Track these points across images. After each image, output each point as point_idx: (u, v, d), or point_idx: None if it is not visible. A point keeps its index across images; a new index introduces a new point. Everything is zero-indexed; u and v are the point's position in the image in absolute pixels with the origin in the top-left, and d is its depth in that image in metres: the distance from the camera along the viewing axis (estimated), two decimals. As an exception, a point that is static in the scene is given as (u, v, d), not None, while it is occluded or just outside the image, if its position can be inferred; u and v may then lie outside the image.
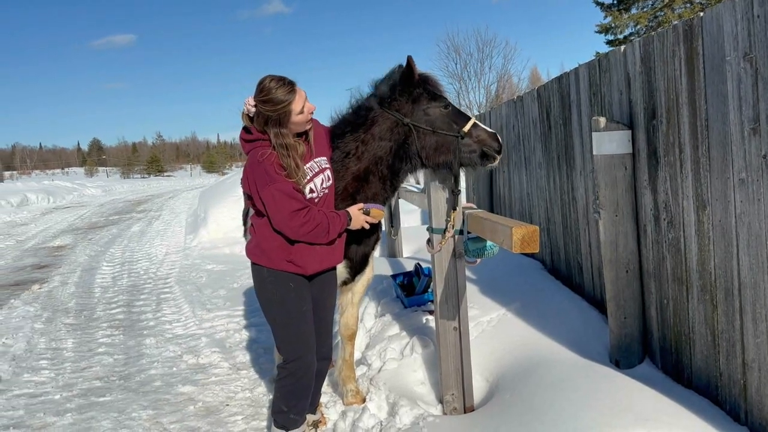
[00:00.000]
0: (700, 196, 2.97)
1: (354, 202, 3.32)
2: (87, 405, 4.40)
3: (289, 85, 2.98)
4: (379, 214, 3.27)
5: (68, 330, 6.35)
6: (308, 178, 3.07)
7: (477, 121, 3.36)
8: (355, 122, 3.37)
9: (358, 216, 3.21)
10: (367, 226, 3.29)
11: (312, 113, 3.10)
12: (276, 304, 3.17)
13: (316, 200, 3.11)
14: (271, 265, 3.12)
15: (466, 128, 3.27)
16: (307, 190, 3.06)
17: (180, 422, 4.04)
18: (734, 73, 2.62)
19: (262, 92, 2.96)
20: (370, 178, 3.37)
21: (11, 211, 20.24)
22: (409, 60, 3.25)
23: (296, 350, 3.17)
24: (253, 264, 3.22)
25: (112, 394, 4.57)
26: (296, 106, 2.99)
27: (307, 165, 3.09)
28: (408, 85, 3.30)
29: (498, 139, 3.35)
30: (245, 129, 3.13)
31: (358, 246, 3.54)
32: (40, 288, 8.41)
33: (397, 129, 3.31)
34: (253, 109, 3.01)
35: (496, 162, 3.38)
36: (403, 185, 4.31)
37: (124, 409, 4.28)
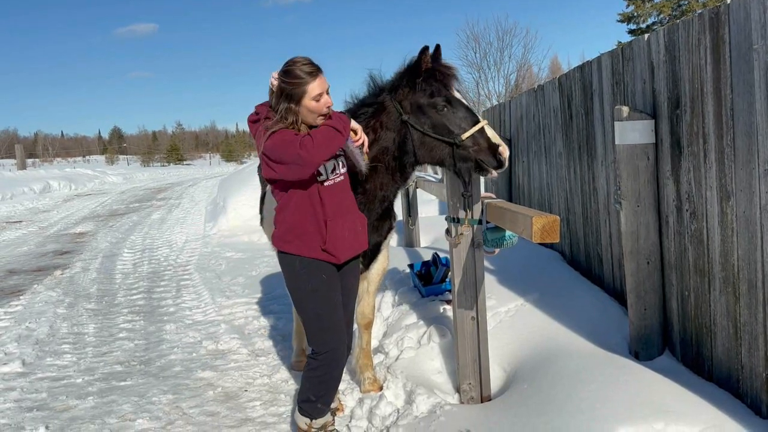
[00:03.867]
0: (724, 187, 2.93)
1: (363, 190, 3.33)
2: (108, 389, 4.47)
3: (313, 67, 2.93)
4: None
5: (90, 315, 6.44)
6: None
7: (486, 127, 3.15)
8: (368, 105, 3.35)
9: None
10: (358, 128, 3.10)
11: (329, 108, 2.98)
12: (309, 295, 3.12)
13: (325, 184, 3.04)
14: (304, 253, 3.06)
15: (465, 135, 3.12)
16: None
17: (199, 407, 4.09)
18: (761, 62, 2.58)
19: (286, 64, 2.95)
20: (378, 167, 3.34)
21: (34, 198, 20.48)
22: (424, 50, 3.14)
23: (329, 341, 3.12)
24: (283, 254, 3.14)
25: (133, 379, 4.64)
26: (313, 90, 2.90)
27: None
28: (412, 77, 3.20)
29: (496, 156, 3.12)
30: (254, 113, 3.09)
31: (371, 234, 3.52)
32: (62, 274, 8.52)
33: (399, 121, 3.27)
34: (276, 82, 2.96)
35: (491, 175, 3.22)
36: (420, 175, 4.29)
37: (145, 393, 4.35)
